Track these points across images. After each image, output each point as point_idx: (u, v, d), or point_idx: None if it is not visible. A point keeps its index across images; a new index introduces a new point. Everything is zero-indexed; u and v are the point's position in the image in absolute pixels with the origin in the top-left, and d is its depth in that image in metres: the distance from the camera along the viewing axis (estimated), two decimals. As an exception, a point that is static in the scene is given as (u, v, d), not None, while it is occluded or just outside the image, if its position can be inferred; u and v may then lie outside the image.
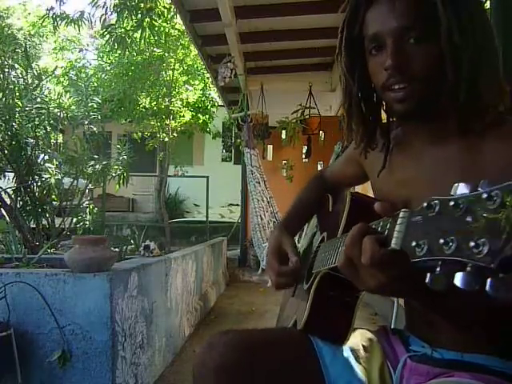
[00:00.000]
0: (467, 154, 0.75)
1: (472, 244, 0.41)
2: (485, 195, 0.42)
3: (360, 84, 0.84)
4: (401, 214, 0.54)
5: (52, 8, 5.33)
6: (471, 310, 0.67)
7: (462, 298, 0.59)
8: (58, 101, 3.56)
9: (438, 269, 0.46)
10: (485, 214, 0.41)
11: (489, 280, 0.41)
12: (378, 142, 0.89)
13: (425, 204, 0.48)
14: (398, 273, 0.58)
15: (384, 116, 0.89)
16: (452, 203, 0.45)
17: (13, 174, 3.33)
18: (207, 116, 9.52)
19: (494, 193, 0.41)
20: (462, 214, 0.44)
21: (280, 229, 1.07)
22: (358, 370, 0.87)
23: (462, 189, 0.45)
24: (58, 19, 5.31)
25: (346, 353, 0.90)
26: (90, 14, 5.35)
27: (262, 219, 4.67)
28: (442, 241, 0.45)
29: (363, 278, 0.62)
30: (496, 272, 0.40)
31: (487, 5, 1.85)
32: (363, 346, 0.92)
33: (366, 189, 1.15)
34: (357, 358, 0.89)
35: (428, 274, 0.47)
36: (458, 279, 0.43)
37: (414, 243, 0.49)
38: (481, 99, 0.73)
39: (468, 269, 0.42)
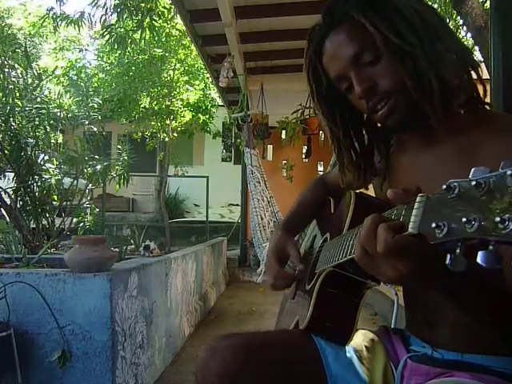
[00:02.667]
0: (461, 153, 0.76)
1: (497, 219, 0.41)
2: (509, 172, 0.42)
3: (344, 126, 0.89)
4: (418, 199, 0.53)
5: (52, 8, 5.34)
6: (482, 298, 0.67)
7: (475, 281, 0.61)
8: (57, 101, 3.57)
9: (457, 250, 0.47)
10: (508, 191, 0.41)
11: None
12: (377, 161, 0.92)
13: (444, 186, 0.48)
14: (415, 258, 0.57)
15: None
16: (474, 183, 0.45)
17: (13, 174, 3.34)
18: (207, 116, 9.53)
19: None
20: (485, 193, 0.44)
21: (282, 230, 1.07)
22: (361, 370, 0.87)
23: (480, 172, 0.46)
24: (58, 19, 5.31)
25: (349, 353, 0.90)
26: (90, 14, 5.36)
27: (262, 219, 4.66)
28: (464, 219, 0.45)
29: (381, 268, 0.60)
30: None
31: (487, 5, 1.85)
32: (366, 346, 0.92)
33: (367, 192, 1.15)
34: (360, 359, 0.89)
35: (448, 255, 0.47)
36: (481, 258, 0.43)
37: (433, 225, 0.48)
38: (448, 82, 0.74)
39: (490, 247, 0.43)
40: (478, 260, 0.44)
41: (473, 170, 0.46)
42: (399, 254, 0.57)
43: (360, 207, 0.86)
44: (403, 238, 0.55)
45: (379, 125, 0.89)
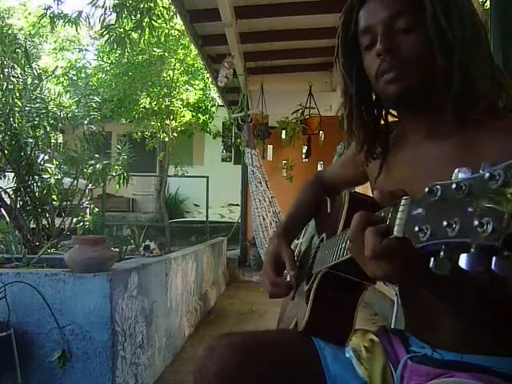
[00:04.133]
0: (464, 150, 0.76)
1: (476, 223, 0.41)
2: (487, 175, 0.41)
3: (358, 85, 0.86)
4: (402, 202, 0.53)
5: (50, 7, 5.33)
6: (477, 298, 0.66)
7: (468, 282, 0.60)
8: (57, 101, 3.57)
9: (441, 253, 0.46)
10: (488, 194, 0.41)
11: (494, 259, 0.41)
12: (377, 151, 0.90)
13: (426, 189, 0.48)
14: (402, 261, 0.57)
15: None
16: (454, 186, 0.45)
17: (13, 174, 3.34)
18: (207, 116, 9.53)
19: (496, 172, 0.41)
20: (465, 195, 0.44)
21: (279, 237, 1.06)
22: (360, 370, 0.87)
23: (462, 174, 0.45)
24: (55, 18, 5.30)
25: (348, 353, 0.89)
26: (88, 13, 5.36)
27: (264, 219, 4.66)
28: (445, 223, 0.44)
29: (370, 268, 0.61)
30: (501, 250, 0.40)
31: (487, 5, 1.85)
32: (365, 346, 0.92)
33: (365, 189, 1.15)
34: (359, 359, 0.89)
35: (432, 259, 0.47)
36: (463, 261, 0.43)
37: (416, 228, 0.49)
38: (474, 86, 0.74)
39: (472, 250, 0.42)
40: (460, 263, 0.43)
41: (455, 170, 0.46)
42: (385, 258, 0.57)
43: (354, 207, 0.86)
44: (389, 242, 0.55)
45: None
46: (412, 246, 0.50)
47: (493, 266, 0.41)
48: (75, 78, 7.00)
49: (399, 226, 0.53)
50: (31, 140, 3.36)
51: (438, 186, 0.47)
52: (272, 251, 1.03)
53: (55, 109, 3.49)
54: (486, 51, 0.78)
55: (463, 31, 0.74)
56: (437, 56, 0.75)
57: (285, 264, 0.99)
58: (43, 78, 3.61)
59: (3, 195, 3.28)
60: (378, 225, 0.58)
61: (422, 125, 0.83)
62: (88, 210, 3.72)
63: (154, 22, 4.93)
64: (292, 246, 1.12)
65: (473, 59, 0.74)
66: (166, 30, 7.51)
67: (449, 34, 0.74)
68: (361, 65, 0.85)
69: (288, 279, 0.98)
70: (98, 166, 3.55)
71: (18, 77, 3.44)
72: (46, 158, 3.44)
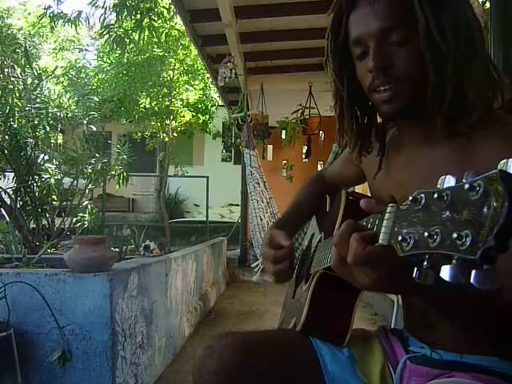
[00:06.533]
0: (458, 155, 0.75)
1: (455, 236, 0.41)
2: (467, 186, 0.41)
3: (350, 88, 0.85)
4: (388, 209, 0.53)
5: (49, 7, 5.34)
6: (467, 304, 0.66)
7: (454, 291, 0.59)
8: (57, 101, 3.57)
9: (425, 263, 0.46)
10: (467, 205, 0.41)
11: (473, 272, 0.40)
12: (374, 145, 0.89)
13: (410, 198, 0.48)
14: (387, 269, 0.57)
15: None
16: (436, 195, 0.44)
17: (13, 174, 3.34)
18: (207, 116, 9.52)
19: (476, 183, 0.40)
20: (446, 206, 0.43)
21: (272, 227, 1.06)
22: (359, 370, 0.87)
23: (448, 181, 0.45)
24: (55, 18, 5.31)
25: (347, 353, 0.89)
26: (88, 13, 5.37)
27: (261, 220, 4.66)
28: (426, 234, 0.44)
29: (355, 276, 0.61)
30: (480, 263, 0.40)
31: (487, 5, 1.85)
32: (364, 346, 0.92)
33: (365, 189, 1.15)
34: (357, 359, 0.89)
35: (415, 269, 0.47)
36: (444, 272, 0.43)
37: (400, 238, 0.48)
38: (466, 99, 0.73)
39: (454, 261, 0.42)
40: (442, 275, 0.43)
41: (440, 178, 0.45)
42: (369, 265, 0.57)
43: (351, 207, 0.86)
44: (373, 249, 0.55)
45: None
46: (396, 254, 0.49)
47: (472, 280, 0.40)
48: (75, 78, 7.00)
49: (384, 235, 0.53)
50: (31, 140, 3.37)
51: (422, 195, 0.47)
52: (267, 239, 1.01)
53: (55, 109, 3.49)
54: (481, 57, 0.76)
55: (457, 43, 0.72)
56: (428, 70, 0.73)
57: (280, 244, 0.97)
58: (43, 77, 3.61)
59: (3, 195, 3.28)
60: (363, 232, 0.58)
61: (418, 131, 0.83)
62: (88, 210, 3.71)
63: (154, 22, 4.93)
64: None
65: (466, 71, 0.73)
66: (166, 30, 7.51)
67: (442, 48, 0.72)
68: (353, 70, 0.84)
69: (285, 249, 0.96)
70: (97, 165, 3.56)
71: (18, 77, 3.44)
72: (46, 158, 3.44)
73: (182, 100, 8.72)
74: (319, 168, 6.08)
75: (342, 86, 0.85)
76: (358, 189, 1.93)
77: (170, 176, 9.38)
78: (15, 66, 3.45)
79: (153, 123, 8.54)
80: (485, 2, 3.43)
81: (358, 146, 0.88)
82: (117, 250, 3.36)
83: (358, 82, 0.83)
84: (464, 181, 0.42)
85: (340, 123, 0.88)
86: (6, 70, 3.37)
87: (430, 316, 0.83)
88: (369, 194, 0.98)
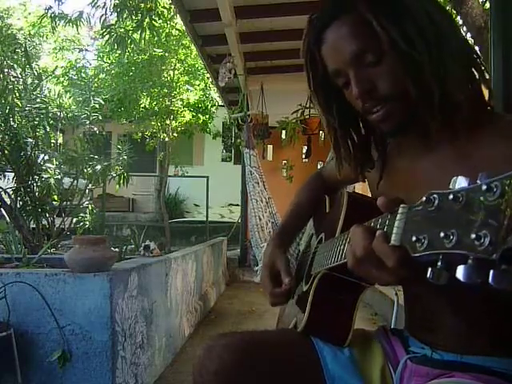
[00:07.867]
0: (461, 156, 0.75)
1: (473, 236, 0.41)
2: (484, 186, 0.41)
3: (340, 118, 0.86)
4: (399, 210, 0.53)
5: (50, 7, 5.34)
6: (479, 298, 0.66)
7: (467, 290, 0.59)
8: (57, 101, 3.57)
9: (439, 263, 0.46)
10: (485, 206, 0.41)
11: (491, 272, 0.41)
12: (374, 155, 0.90)
13: (424, 198, 0.48)
14: (399, 268, 0.56)
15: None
16: (451, 196, 0.44)
17: (13, 174, 3.34)
18: (207, 116, 9.53)
19: (493, 184, 0.40)
20: (462, 206, 0.43)
21: (274, 244, 1.06)
22: (359, 370, 0.87)
23: (460, 182, 0.45)
24: (56, 19, 5.31)
25: (347, 353, 0.89)
26: (88, 14, 5.37)
27: (260, 220, 4.66)
28: (442, 234, 0.44)
29: (370, 275, 0.61)
30: (498, 264, 0.40)
31: (487, 5, 1.85)
32: (364, 346, 0.92)
33: (365, 189, 1.15)
34: (358, 359, 0.89)
35: (429, 269, 0.47)
36: (460, 272, 0.43)
37: (414, 238, 0.48)
38: (451, 90, 0.72)
39: (469, 262, 0.42)
40: (457, 275, 0.43)
41: (453, 179, 0.45)
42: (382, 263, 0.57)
43: (352, 208, 0.86)
44: (387, 248, 0.55)
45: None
46: (409, 255, 0.50)
47: (490, 280, 0.41)
48: (75, 78, 7.00)
49: (396, 235, 0.53)
50: (31, 140, 3.37)
51: (435, 195, 0.47)
52: (267, 263, 1.03)
53: (55, 109, 3.49)
54: (454, 45, 0.75)
55: (427, 45, 0.71)
56: (408, 79, 0.73)
57: (280, 272, 1.00)
58: (43, 77, 3.61)
59: (3, 195, 3.28)
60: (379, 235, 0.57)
61: (417, 138, 0.82)
62: (88, 210, 3.71)
63: (154, 23, 4.93)
64: (292, 247, 1.12)
65: (443, 64, 0.72)
66: (167, 30, 7.51)
67: (414, 55, 0.71)
68: (340, 99, 0.84)
69: (285, 286, 0.98)
70: (98, 166, 3.56)
71: (18, 77, 3.44)
72: (46, 158, 3.44)
73: (182, 100, 8.72)
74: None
75: (332, 117, 0.86)
76: (358, 188, 1.93)
77: (170, 176, 9.38)
78: (15, 66, 3.45)
79: (153, 123, 8.54)
80: (485, 2, 3.43)
81: (360, 167, 0.89)
82: (117, 250, 3.36)
83: (348, 108, 0.84)
84: (479, 182, 0.42)
85: (337, 153, 0.89)
86: (6, 70, 3.37)
87: (431, 317, 0.83)
88: (369, 195, 0.98)
